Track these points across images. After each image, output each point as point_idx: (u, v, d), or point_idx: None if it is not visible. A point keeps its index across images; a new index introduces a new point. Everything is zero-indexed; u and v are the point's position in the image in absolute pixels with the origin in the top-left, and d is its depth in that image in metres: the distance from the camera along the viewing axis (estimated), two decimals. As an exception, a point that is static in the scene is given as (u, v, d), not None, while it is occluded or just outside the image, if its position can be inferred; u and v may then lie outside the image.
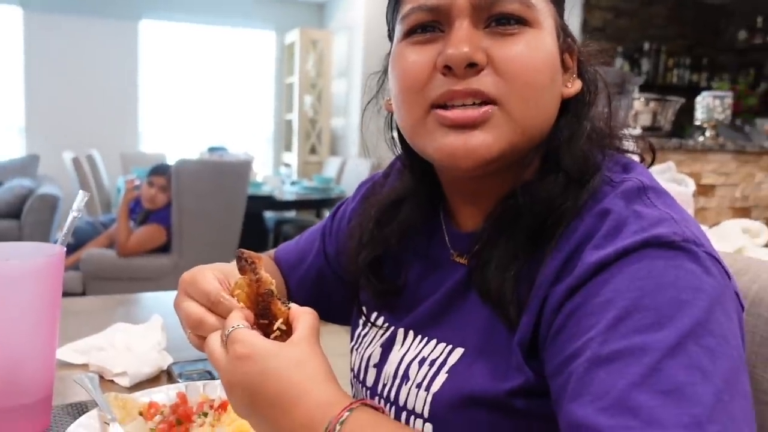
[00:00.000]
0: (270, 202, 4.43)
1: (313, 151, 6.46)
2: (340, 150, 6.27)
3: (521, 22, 0.58)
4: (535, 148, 0.62)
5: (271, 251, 0.95)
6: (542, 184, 0.60)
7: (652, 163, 0.69)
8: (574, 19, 5.74)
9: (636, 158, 0.69)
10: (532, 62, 0.58)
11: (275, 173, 6.36)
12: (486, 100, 0.58)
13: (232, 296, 0.59)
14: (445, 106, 0.59)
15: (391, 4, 0.66)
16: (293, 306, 0.57)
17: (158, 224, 3.17)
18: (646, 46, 6.08)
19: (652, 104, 2.01)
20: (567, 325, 0.52)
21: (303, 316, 0.56)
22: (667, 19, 6.23)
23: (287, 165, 6.58)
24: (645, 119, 2.03)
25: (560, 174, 0.60)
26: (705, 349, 0.45)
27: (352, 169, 5.22)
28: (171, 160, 3.27)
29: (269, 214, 5.17)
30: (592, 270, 0.52)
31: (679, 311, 0.47)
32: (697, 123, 2.27)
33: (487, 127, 0.58)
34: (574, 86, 0.64)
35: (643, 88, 5.83)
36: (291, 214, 5.51)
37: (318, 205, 4.90)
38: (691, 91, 5.48)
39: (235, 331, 0.54)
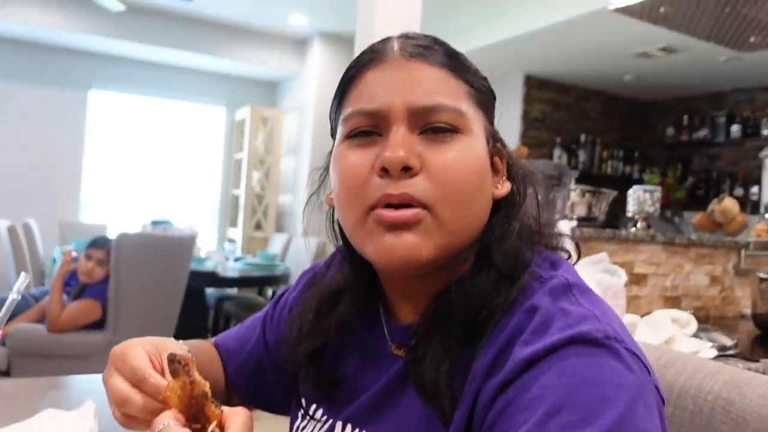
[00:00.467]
0: (212, 279, 4.33)
1: (258, 227, 6.43)
2: (287, 227, 6.27)
3: (453, 129, 0.63)
4: (469, 246, 0.65)
5: (212, 339, 0.94)
6: (475, 281, 0.63)
7: (578, 260, 0.74)
8: (515, 111, 6.03)
9: (565, 252, 0.73)
10: (462, 168, 0.62)
11: (219, 249, 6.28)
12: (418, 205, 0.60)
13: (164, 400, 0.57)
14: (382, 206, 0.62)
15: (335, 104, 0.70)
16: (225, 408, 0.56)
17: (94, 299, 3.06)
18: (583, 137, 6.40)
19: (587, 196, 2.11)
20: (498, 421, 0.53)
21: (236, 417, 0.55)
22: (601, 113, 6.60)
23: (232, 240, 6.51)
24: (581, 210, 2.12)
25: (492, 271, 0.63)
26: None
27: (298, 247, 5.21)
28: (113, 232, 3.20)
29: (211, 291, 5.05)
30: (522, 366, 0.54)
31: (603, 408, 0.49)
32: (629, 215, 2.39)
33: (418, 230, 0.61)
34: (504, 188, 0.68)
35: (581, 178, 6.11)
36: (233, 291, 5.41)
37: (261, 282, 4.83)
38: (624, 182, 5.77)
39: (165, 429, 0.52)
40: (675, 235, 2.39)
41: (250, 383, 0.87)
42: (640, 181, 5.78)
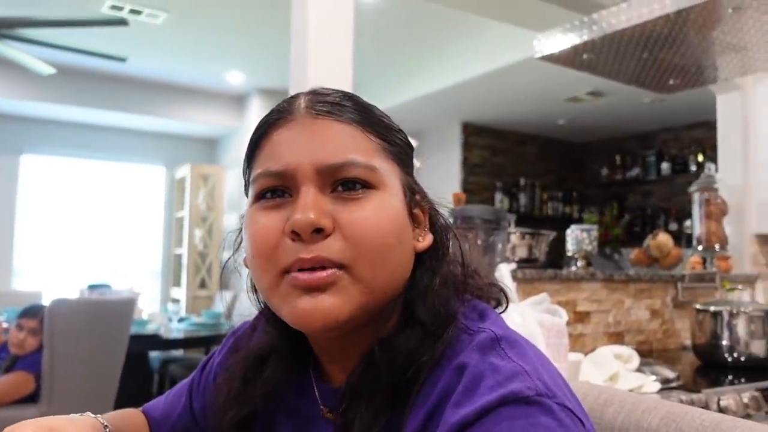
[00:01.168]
0: (155, 341, 4.19)
1: (203, 285, 6.29)
2: (232, 283, 6.15)
3: (366, 185, 0.61)
4: (392, 302, 0.64)
5: (141, 407, 0.90)
6: (399, 338, 0.62)
7: (506, 307, 0.73)
8: (455, 158, 6.15)
9: (494, 300, 0.72)
10: (377, 225, 0.60)
11: (163, 310, 6.10)
12: (333, 265, 0.58)
13: None
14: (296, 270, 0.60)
15: (245, 165, 0.68)
16: None
17: (26, 371, 2.90)
18: (522, 181, 6.57)
19: (527, 238, 2.14)
20: None
21: None
22: (538, 157, 6.81)
23: (176, 301, 6.34)
24: (522, 252, 2.15)
25: (416, 327, 0.62)
26: None
27: (244, 303, 5.09)
28: (49, 299, 3.07)
29: (155, 354, 4.88)
30: (455, 430, 0.52)
31: None
32: (569, 253, 2.44)
33: (335, 291, 0.58)
34: (426, 240, 0.67)
35: (524, 220, 6.24)
36: (179, 352, 5.23)
37: (207, 342, 4.69)
38: (564, 222, 5.90)
39: None
40: (614, 271, 2.44)
41: None
42: (580, 221, 5.94)
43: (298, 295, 0.59)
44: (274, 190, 0.62)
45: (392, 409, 0.59)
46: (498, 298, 0.72)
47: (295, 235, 0.59)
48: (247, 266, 0.70)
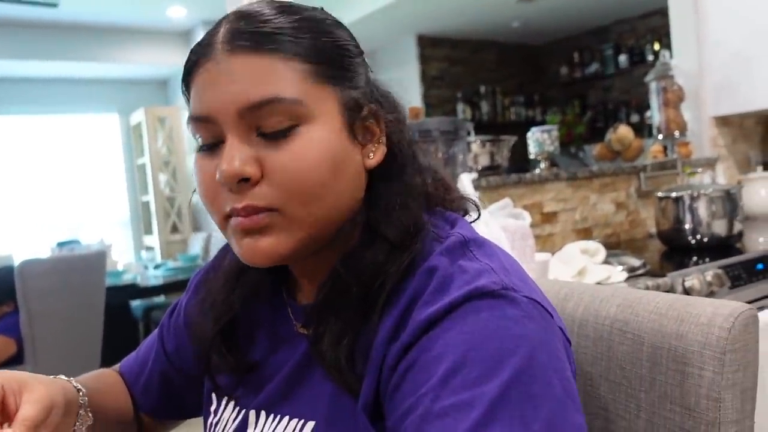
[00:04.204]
0: (134, 291, 4.19)
1: (175, 230, 6.25)
2: (204, 225, 6.11)
3: (291, 125, 0.58)
4: (348, 221, 0.63)
5: (116, 366, 0.90)
6: (365, 253, 0.62)
7: (478, 217, 0.73)
8: (413, 72, 6.05)
9: (462, 210, 0.72)
10: (304, 166, 0.58)
11: (137, 258, 6.07)
12: (265, 210, 0.58)
13: None
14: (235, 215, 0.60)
15: (184, 96, 0.65)
16: None
17: (3, 335, 2.90)
18: (483, 89, 6.51)
19: (487, 146, 2.13)
20: (402, 382, 0.53)
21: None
22: (496, 63, 6.73)
23: (150, 248, 6.30)
24: (484, 160, 2.15)
25: (383, 242, 0.61)
26: (527, 396, 0.48)
27: (219, 242, 5.09)
28: (19, 260, 3.03)
29: (136, 303, 4.89)
30: (423, 326, 0.54)
31: (502, 362, 0.50)
32: (531, 157, 2.44)
33: (270, 232, 0.59)
34: (377, 155, 0.65)
35: (487, 127, 6.23)
36: (160, 299, 5.25)
37: (186, 285, 4.70)
38: (528, 126, 5.92)
39: None
40: (577, 170, 2.46)
41: (161, 399, 0.85)
42: (543, 123, 5.95)
43: (241, 238, 0.60)
44: (206, 141, 0.61)
45: (363, 318, 0.60)
46: (467, 208, 0.72)
47: (225, 185, 0.58)
48: None
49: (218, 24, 0.62)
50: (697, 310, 0.63)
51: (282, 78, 0.58)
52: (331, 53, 0.62)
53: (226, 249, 0.81)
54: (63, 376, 0.71)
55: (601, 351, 0.71)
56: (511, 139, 2.24)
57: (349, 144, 0.62)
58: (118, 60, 5.77)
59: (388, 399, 0.55)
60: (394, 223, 0.62)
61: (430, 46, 6.17)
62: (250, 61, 0.58)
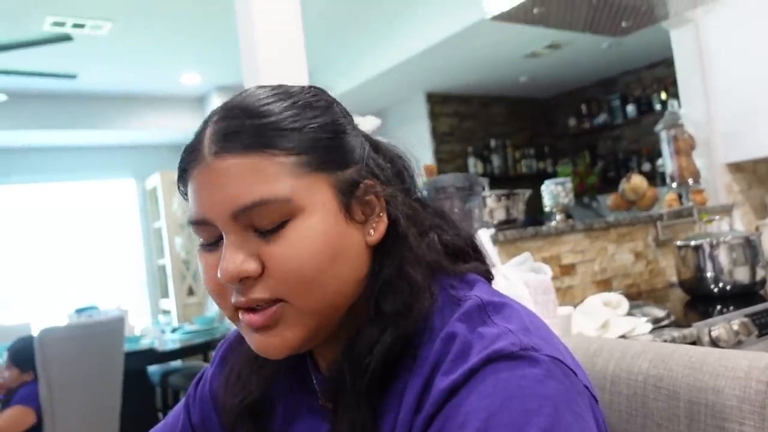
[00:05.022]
0: (151, 356, 4.17)
1: (191, 292, 6.25)
2: (220, 286, 6.11)
3: (283, 222, 0.58)
4: (359, 297, 0.63)
5: None
6: (372, 333, 0.61)
7: (490, 278, 0.72)
8: (423, 128, 6.14)
9: (478, 270, 0.71)
10: (302, 258, 0.58)
11: (154, 323, 6.06)
12: (272, 303, 0.59)
13: None
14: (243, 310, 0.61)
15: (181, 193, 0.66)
16: None
17: (23, 405, 2.88)
18: (493, 143, 6.58)
19: (503, 200, 2.14)
20: None
21: None
22: (506, 117, 6.82)
23: (166, 312, 6.30)
24: (500, 214, 2.16)
25: (383, 320, 0.61)
26: None
27: (234, 305, 5.07)
28: (37, 329, 3.04)
29: (153, 368, 4.85)
30: (444, 395, 0.53)
31: (527, 423, 0.49)
32: (546, 209, 2.45)
33: (280, 325, 0.60)
34: (378, 230, 0.64)
35: (499, 181, 6.26)
36: (177, 363, 5.21)
37: (204, 348, 4.66)
38: (540, 178, 5.94)
39: None
40: (593, 220, 2.46)
41: None
42: (554, 174, 5.97)
43: (252, 332, 0.61)
44: (205, 240, 0.62)
45: (379, 395, 0.60)
46: (487, 268, 0.71)
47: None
48: None
49: (205, 124, 0.63)
50: (731, 363, 0.62)
51: (269, 177, 0.58)
52: (321, 140, 0.61)
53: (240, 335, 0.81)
54: None
55: (636, 408, 0.69)
56: (525, 193, 2.25)
57: (347, 226, 0.61)
58: (134, 127, 5.91)
59: None
60: (396, 299, 0.61)
61: (440, 103, 6.27)
62: (237, 163, 0.58)
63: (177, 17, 4.21)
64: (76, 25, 4.07)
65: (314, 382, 0.70)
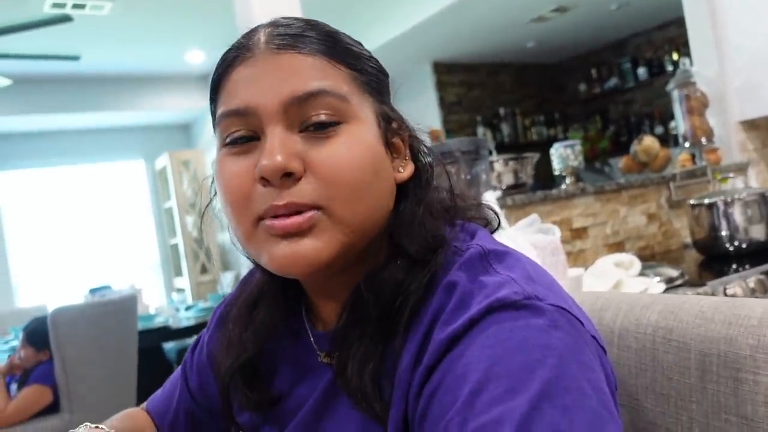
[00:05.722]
0: (166, 333, 4.20)
1: (204, 270, 6.28)
2: (232, 263, 6.14)
3: (335, 122, 0.57)
4: (378, 237, 0.61)
5: (144, 404, 0.89)
6: (386, 272, 0.59)
7: (497, 227, 0.71)
8: (430, 99, 6.07)
9: (483, 220, 0.70)
10: (350, 162, 0.57)
11: (169, 301, 6.11)
12: (309, 208, 0.56)
13: None
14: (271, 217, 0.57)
15: (211, 101, 0.64)
16: None
17: (39, 383, 2.90)
18: (502, 111, 6.50)
19: (510, 164, 2.11)
20: (429, 408, 0.50)
21: None
22: (514, 84, 6.72)
23: (181, 290, 6.34)
24: (508, 179, 2.12)
25: (404, 258, 0.59)
26: (560, 409, 0.45)
27: (247, 281, 5.10)
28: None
29: (170, 345, 4.90)
30: (444, 346, 0.51)
31: (530, 374, 0.46)
32: (556, 173, 2.41)
33: (314, 233, 0.56)
34: (407, 170, 0.64)
35: (509, 148, 6.20)
36: (193, 339, 5.26)
37: (217, 324, 4.71)
38: (550, 145, 5.89)
39: None
40: (604, 183, 2.41)
41: None
42: (565, 140, 5.89)
43: (276, 242, 0.56)
44: (241, 134, 0.58)
45: (386, 340, 0.57)
46: (487, 217, 0.70)
47: (266, 181, 0.56)
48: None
49: (255, 29, 0.62)
50: (745, 311, 0.59)
51: (327, 76, 0.58)
52: (368, 67, 0.63)
53: (245, 281, 0.78)
54: (89, 424, 0.69)
55: (645, 362, 0.67)
56: (534, 156, 2.21)
57: (384, 154, 0.61)
58: (140, 107, 5.89)
59: (417, 426, 0.52)
60: (415, 238, 0.60)
61: (447, 72, 6.18)
62: (295, 58, 0.58)
63: (177, -7, 4.16)
64: (76, 6, 4.02)
65: (311, 338, 0.68)
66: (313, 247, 0.56)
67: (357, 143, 0.57)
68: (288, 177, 0.55)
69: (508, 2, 4.62)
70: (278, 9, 1.93)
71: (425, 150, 0.67)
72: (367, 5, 4.90)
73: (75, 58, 4.13)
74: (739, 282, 1.62)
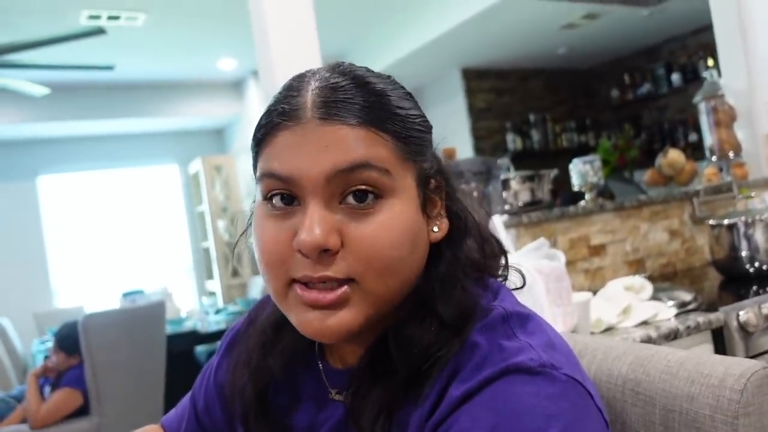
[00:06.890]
0: (195, 337, 4.29)
1: (235, 274, 6.38)
2: (262, 268, 6.22)
3: (377, 195, 0.57)
4: (408, 295, 0.61)
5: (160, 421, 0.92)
6: (415, 330, 0.59)
7: (522, 286, 0.70)
8: (459, 106, 6.06)
9: (503, 276, 0.69)
10: (389, 242, 0.57)
11: (200, 305, 6.22)
12: (341, 283, 0.57)
13: None
14: (304, 283, 0.58)
15: (254, 150, 0.62)
16: None
17: (70, 387, 3.00)
18: (532, 117, 6.44)
19: (527, 182, 2.11)
20: None
21: None
22: (545, 90, 6.66)
23: (212, 293, 6.45)
24: (524, 196, 2.12)
25: (434, 320, 0.60)
26: None
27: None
28: (90, 312, 3.17)
29: (200, 349, 5.00)
30: (456, 402, 0.53)
31: None
32: (575, 189, 2.39)
33: (345, 307, 0.57)
34: (442, 229, 0.64)
35: (537, 156, 6.14)
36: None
37: (246, 329, 4.77)
38: (581, 152, 5.80)
39: None
40: (631, 196, 2.39)
41: None
42: (597, 148, 5.82)
43: (306, 310, 0.58)
44: (282, 195, 0.59)
45: (404, 395, 0.59)
46: (512, 278, 0.70)
47: (303, 254, 0.57)
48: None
49: (300, 88, 0.60)
50: (707, 369, 0.60)
51: (373, 147, 0.57)
52: (417, 131, 0.62)
53: (258, 307, 0.80)
54: None
55: (615, 413, 0.68)
56: (551, 173, 2.20)
57: (421, 222, 0.61)
58: (173, 113, 6.02)
59: None
60: (452, 303, 0.60)
61: (476, 78, 6.16)
62: (342, 129, 0.56)
63: (209, 3, 4.24)
64: (111, 17, 4.14)
65: (323, 374, 0.69)
66: (342, 319, 0.57)
67: (396, 220, 0.57)
68: (325, 252, 0.56)
69: (538, 10, 4.59)
70: (291, 24, 1.97)
71: (460, 204, 0.67)
72: (397, 12, 4.92)
73: (109, 68, 4.25)
74: (752, 308, 1.59)
